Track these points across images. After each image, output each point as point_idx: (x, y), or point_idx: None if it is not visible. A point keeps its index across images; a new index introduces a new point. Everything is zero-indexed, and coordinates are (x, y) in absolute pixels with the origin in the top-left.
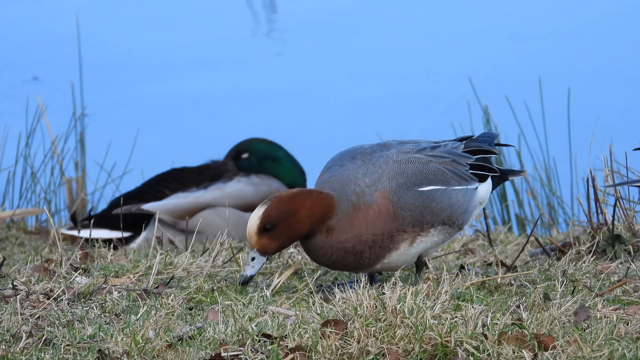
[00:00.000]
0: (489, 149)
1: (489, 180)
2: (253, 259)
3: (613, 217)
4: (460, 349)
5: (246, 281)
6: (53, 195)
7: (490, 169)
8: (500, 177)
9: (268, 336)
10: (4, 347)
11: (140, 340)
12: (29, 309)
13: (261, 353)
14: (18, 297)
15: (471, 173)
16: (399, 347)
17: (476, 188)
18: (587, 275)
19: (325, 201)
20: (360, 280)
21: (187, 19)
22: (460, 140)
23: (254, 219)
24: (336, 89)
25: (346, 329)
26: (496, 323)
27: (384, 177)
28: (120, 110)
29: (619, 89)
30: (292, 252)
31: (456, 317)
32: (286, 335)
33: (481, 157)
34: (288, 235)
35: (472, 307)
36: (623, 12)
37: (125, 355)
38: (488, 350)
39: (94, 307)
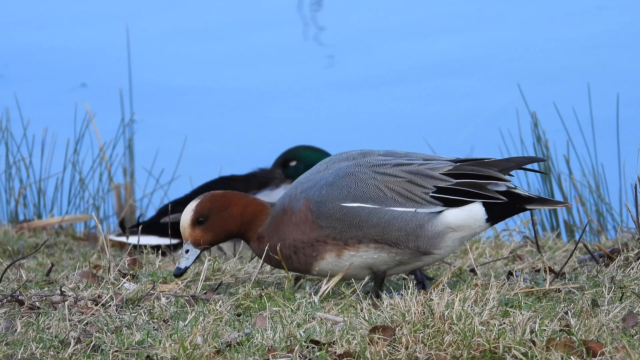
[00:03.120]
0: (491, 174)
1: (471, 207)
2: (187, 251)
3: None
4: (508, 355)
5: (180, 273)
6: (101, 201)
7: (474, 195)
8: (513, 204)
9: (316, 342)
10: (52, 353)
11: (189, 346)
12: (77, 315)
13: (309, 359)
14: (66, 303)
15: (434, 197)
16: (447, 354)
17: (439, 212)
18: (636, 281)
19: (259, 206)
20: (408, 287)
21: (236, 24)
22: (461, 161)
23: (187, 212)
24: (384, 96)
25: (394, 335)
26: (544, 329)
27: (316, 187)
28: (168, 117)
29: None
30: None
31: (504, 323)
32: (334, 341)
33: (468, 181)
34: (220, 229)
35: (520, 313)
36: None
37: None
38: (536, 356)
39: (142, 313)
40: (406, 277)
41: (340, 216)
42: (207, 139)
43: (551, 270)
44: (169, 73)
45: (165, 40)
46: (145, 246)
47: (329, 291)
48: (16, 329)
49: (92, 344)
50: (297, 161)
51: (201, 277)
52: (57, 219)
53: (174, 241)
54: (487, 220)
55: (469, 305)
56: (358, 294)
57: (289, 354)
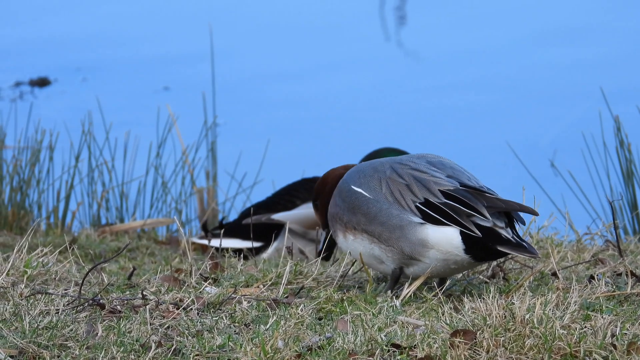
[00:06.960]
0: (477, 207)
1: (447, 230)
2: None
3: None
4: (589, 359)
5: (318, 254)
6: (184, 205)
7: (451, 219)
8: (487, 243)
9: (397, 346)
10: (133, 356)
11: (270, 350)
12: (159, 318)
13: None
14: (147, 307)
15: (418, 208)
16: (528, 357)
17: (420, 224)
18: None
19: (335, 178)
20: (489, 291)
21: (319, 29)
22: (467, 186)
23: None
24: (465, 99)
25: (475, 339)
26: (625, 333)
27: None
28: (251, 120)
29: None
30: None
31: (585, 327)
32: (415, 345)
33: (452, 204)
34: (324, 210)
35: (602, 317)
36: None
37: None
38: None
39: (224, 317)
40: (487, 281)
41: (345, 196)
42: (289, 141)
43: (633, 274)
44: (252, 75)
45: (249, 43)
46: (227, 249)
47: (411, 295)
48: (97, 333)
49: (173, 348)
50: None
51: (283, 281)
52: (139, 223)
53: (256, 244)
54: (466, 251)
55: (550, 309)
56: (440, 297)
57: (370, 358)
